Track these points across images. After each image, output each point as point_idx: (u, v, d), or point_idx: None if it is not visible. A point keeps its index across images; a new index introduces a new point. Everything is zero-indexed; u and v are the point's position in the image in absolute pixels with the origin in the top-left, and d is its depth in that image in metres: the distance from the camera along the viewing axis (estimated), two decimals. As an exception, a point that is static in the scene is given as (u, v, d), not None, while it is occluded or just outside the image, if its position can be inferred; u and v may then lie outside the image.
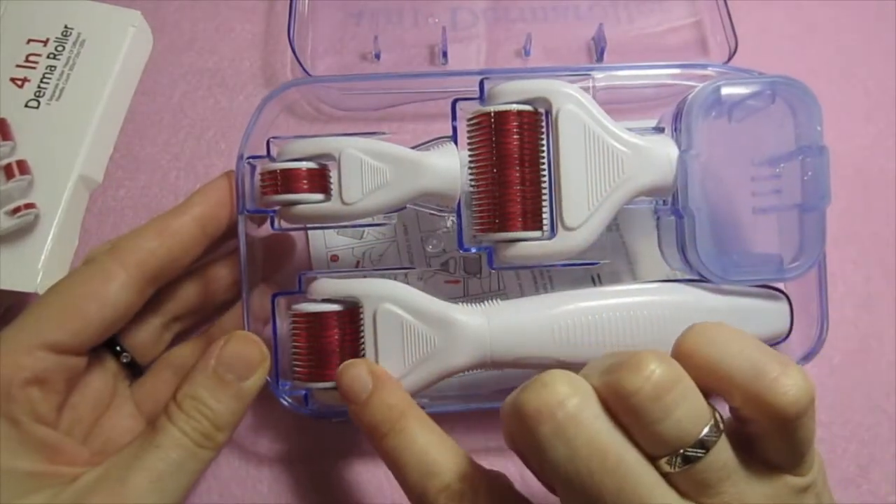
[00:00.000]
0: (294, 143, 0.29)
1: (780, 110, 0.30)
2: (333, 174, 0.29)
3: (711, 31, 0.43)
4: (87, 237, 0.36)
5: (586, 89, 0.30)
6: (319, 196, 0.29)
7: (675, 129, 0.30)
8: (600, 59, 0.42)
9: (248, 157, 0.31)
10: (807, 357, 0.32)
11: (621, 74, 0.34)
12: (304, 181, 0.29)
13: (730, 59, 0.41)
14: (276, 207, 0.30)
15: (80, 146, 0.34)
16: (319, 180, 0.29)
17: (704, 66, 0.34)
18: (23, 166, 0.32)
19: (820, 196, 0.29)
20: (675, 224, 0.30)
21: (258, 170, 0.30)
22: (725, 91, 0.29)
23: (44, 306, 0.26)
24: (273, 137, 0.31)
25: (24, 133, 0.34)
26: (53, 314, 0.26)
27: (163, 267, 0.28)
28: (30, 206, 0.32)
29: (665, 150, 0.29)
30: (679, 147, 0.29)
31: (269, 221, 0.31)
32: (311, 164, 0.29)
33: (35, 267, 0.31)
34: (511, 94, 0.28)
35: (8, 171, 0.32)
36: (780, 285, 0.32)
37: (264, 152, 0.31)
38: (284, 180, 0.29)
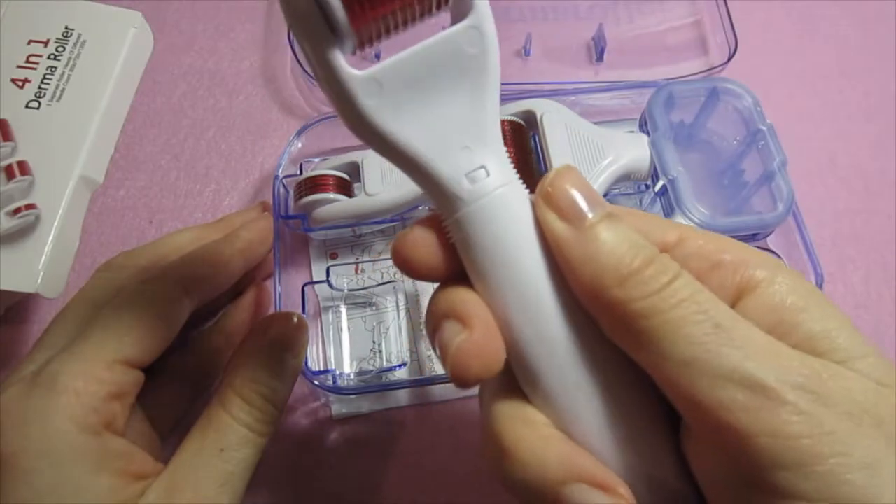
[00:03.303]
0: (321, 162, 0.35)
1: (725, 111, 0.36)
2: (356, 186, 0.34)
3: (711, 30, 0.43)
4: (87, 237, 0.37)
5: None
6: (344, 197, 0.33)
7: (645, 131, 0.36)
8: (600, 58, 0.42)
9: (284, 177, 0.35)
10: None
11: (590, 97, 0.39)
12: (330, 183, 0.34)
13: (730, 58, 0.41)
14: (306, 212, 0.34)
15: (80, 147, 0.34)
16: (343, 184, 0.34)
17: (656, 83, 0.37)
18: (23, 167, 0.32)
19: (775, 161, 0.34)
20: (660, 203, 0.35)
21: (293, 182, 0.35)
22: (675, 89, 0.36)
23: (117, 321, 0.26)
24: (305, 160, 0.36)
25: (25, 134, 0.34)
26: (130, 330, 0.26)
27: (209, 292, 0.30)
28: (30, 206, 0.32)
29: (639, 140, 0.35)
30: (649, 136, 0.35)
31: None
32: (336, 172, 0.34)
33: (35, 267, 0.31)
34: (503, 112, 0.33)
35: (9, 172, 0.32)
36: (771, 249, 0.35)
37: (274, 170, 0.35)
38: (313, 184, 0.34)
